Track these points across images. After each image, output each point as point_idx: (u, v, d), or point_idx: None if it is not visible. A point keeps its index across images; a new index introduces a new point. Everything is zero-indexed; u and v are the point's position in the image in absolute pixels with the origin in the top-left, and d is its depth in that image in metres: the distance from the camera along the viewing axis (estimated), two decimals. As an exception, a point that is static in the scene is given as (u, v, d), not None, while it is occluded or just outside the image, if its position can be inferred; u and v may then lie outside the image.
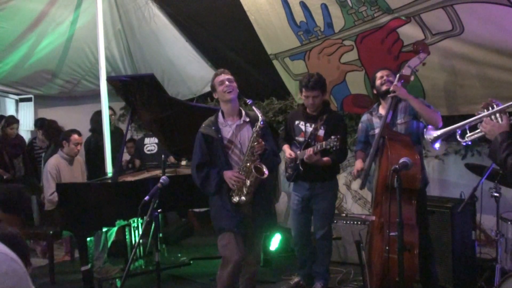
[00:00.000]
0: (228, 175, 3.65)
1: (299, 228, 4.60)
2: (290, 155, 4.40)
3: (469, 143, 2.86)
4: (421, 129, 4.10)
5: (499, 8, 3.57)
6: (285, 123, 4.84)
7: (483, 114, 2.67)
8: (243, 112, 3.86)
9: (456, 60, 4.27)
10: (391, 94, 3.92)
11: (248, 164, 3.64)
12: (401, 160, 3.11)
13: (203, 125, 3.84)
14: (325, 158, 4.30)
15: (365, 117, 4.34)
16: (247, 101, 3.80)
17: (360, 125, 4.39)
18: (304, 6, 4.72)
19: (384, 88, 4.07)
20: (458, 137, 2.84)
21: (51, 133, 6.43)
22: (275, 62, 5.63)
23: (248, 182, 3.61)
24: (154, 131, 5.74)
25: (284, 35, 5.17)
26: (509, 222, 4.07)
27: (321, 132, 4.33)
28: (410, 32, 4.29)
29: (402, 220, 3.07)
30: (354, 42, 4.78)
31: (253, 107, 3.78)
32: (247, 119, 3.83)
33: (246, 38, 5.79)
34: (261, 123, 3.67)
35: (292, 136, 4.56)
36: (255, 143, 3.64)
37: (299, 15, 4.84)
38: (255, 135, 3.67)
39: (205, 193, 3.85)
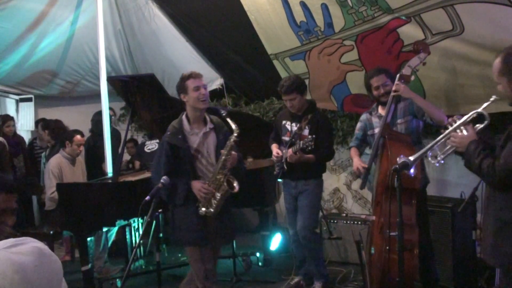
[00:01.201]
0: (197, 186, 3.52)
1: (293, 227, 4.63)
2: (277, 153, 4.47)
3: (442, 161, 2.97)
4: (421, 128, 4.11)
5: (499, 8, 3.57)
6: (274, 123, 4.86)
7: (448, 130, 2.80)
8: (208, 119, 3.74)
9: (456, 60, 4.27)
10: (394, 93, 3.90)
11: (219, 177, 3.53)
12: (401, 160, 3.10)
13: (168, 133, 3.66)
14: (308, 155, 4.32)
15: (364, 116, 4.34)
16: (222, 113, 3.69)
17: (359, 123, 4.40)
18: (304, 6, 4.71)
19: (383, 99, 4.06)
20: (430, 159, 2.96)
21: (57, 133, 6.44)
22: (275, 62, 5.63)
23: (218, 196, 3.51)
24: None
25: (284, 35, 5.17)
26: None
27: (305, 132, 4.38)
28: (410, 32, 4.28)
29: (402, 220, 3.06)
30: (354, 42, 4.77)
31: (227, 119, 3.64)
32: (212, 126, 3.71)
33: (247, 38, 5.79)
34: (235, 135, 3.56)
35: (280, 136, 4.61)
36: (229, 156, 3.55)
37: (299, 15, 4.84)
38: (229, 148, 3.55)
39: (170, 204, 3.70)
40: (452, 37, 4.07)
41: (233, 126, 3.60)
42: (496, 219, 2.59)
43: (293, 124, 4.49)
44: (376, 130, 4.12)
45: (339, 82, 5.32)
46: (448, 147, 2.86)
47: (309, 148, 4.09)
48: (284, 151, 4.43)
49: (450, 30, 4.01)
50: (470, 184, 4.42)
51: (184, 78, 3.65)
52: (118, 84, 5.29)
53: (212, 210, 3.52)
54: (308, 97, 4.99)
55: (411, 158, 2.98)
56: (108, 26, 6.53)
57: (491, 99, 2.69)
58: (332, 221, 5.53)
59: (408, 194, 3.65)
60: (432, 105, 3.96)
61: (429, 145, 2.94)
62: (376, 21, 4.40)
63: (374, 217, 3.92)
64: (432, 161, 2.94)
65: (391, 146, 3.81)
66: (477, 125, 2.75)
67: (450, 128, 2.78)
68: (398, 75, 3.92)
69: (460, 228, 4.54)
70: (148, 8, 6.38)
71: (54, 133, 6.44)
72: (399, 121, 4.05)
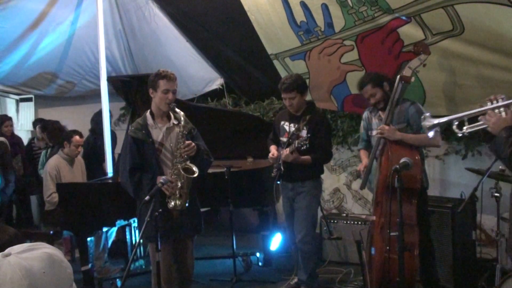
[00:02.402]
0: (160, 180, 3.51)
1: (292, 229, 4.62)
2: (273, 154, 4.45)
3: (466, 134, 2.81)
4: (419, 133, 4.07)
5: (499, 8, 3.57)
6: (270, 124, 4.85)
7: (487, 107, 2.63)
8: (171, 115, 3.77)
9: (455, 60, 4.27)
10: (379, 136, 3.88)
11: (178, 166, 3.57)
12: (402, 160, 3.11)
13: (132, 128, 3.72)
14: (305, 157, 4.30)
15: (365, 114, 4.32)
16: (171, 106, 3.69)
17: (362, 122, 4.37)
18: (304, 6, 4.71)
19: (378, 106, 4.04)
20: (455, 127, 2.79)
21: (55, 135, 6.43)
22: (275, 62, 5.63)
23: (179, 184, 3.54)
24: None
25: (284, 35, 5.17)
26: (510, 222, 4.07)
27: (303, 132, 4.32)
28: (410, 32, 4.29)
29: (402, 220, 3.07)
30: (354, 42, 4.77)
31: (176, 109, 3.69)
32: (176, 122, 3.74)
33: (247, 38, 5.79)
34: (183, 123, 3.63)
35: (278, 137, 4.59)
36: (181, 144, 3.60)
37: (299, 15, 4.84)
38: (180, 136, 3.62)
39: (137, 199, 3.70)
40: (452, 37, 4.07)
41: (180, 113, 3.68)
42: None
43: (291, 125, 4.46)
44: (374, 132, 4.10)
45: (339, 82, 5.32)
46: (479, 123, 2.68)
47: (304, 147, 4.07)
48: (281, 152, 4.41)
49: (450, 30, 4.02)
50: (470, 184, 4.43)
51: (158, 76, 3.68)
52: (118, 84, 5.29)
53: (178, 202, 3.55)
54: (308, 97, 4.98)
55: (436, 121, 2.88)
56: (108, 26, 6.53)
57: None
58: (332, 221, 5.53)
59: (408, 194, 3.65)
60: (421, 138, 3.85)
61: (460, 114, 2.79)
62: (376, 21, 4.40)
63: (374, 217, 3.92)
64: (456, 130, 2.77)
65: (392, 147, 3.81)
66: None
67: (491, 106, 2.61)
68: (398, 76, 3.89)
69: (460, 228, 4.54)
70: (148, 8, 6.38)
71: (51, 134, 6.44)
72: (396, 126, 4.00)
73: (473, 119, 2.74)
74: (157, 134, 3.70)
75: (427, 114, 2.98)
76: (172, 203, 3.56)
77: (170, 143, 3.69)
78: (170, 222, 3.61)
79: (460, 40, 4.04)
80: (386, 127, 3.83)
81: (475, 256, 4.82)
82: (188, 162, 3.60)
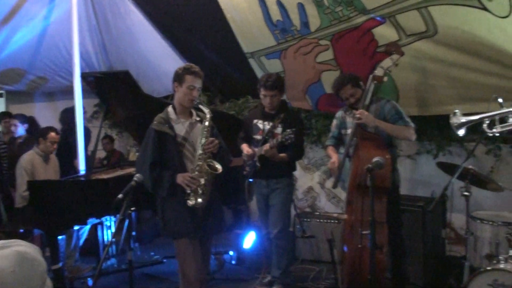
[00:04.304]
0: (181, 178, 3.46)
1: (266, 226, 4.65)
2: (248, 152, 4.46)
3: (497, 134, 2.79)
4: None
5: (472, 11, 3.64)
6: (243, 122, 4.85)
7: None
8: (194, 112, 3.73)
9: (427, 61, 4.33)
10: (357, 121, 3.92)
11: (200, 163, 3.51)
12: (375, 159, 3.14)
13: (155, 121, 3.61)
14: (282, 154, 4.34)
15: (339, 113, 4.37)
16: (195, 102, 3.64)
17: (334, 121, 4.42)
18: (280, 5, 4.73)
19: (355, 105, 4.06)
20: (485, 127, 2.77)
21: (34, 129, 6.30)
22: (251, 60, 5.63)
23: (202, 181, 3.47)
24: (129, 128, 5.69)
25: (260, 34, 5.18)
26: (478, 221, 4.15)
27: (278, 130, 4.38)
28: (385, 33, 4.33)
29: (374, 219, 3.10)
30: (330, 42, 4.81)
31: (200, 106, 3.64)
32: (198, 118, 3.70)
33: (223, 36, 5.78)
34: (209, 119, 3.58)
35: (250, 135, 4.60)
36: (205, 140, 3.54)
37: (275, 14, 4.85)
38: (205, 131, 3.57)
39: (156, 195, 3.63)
40: (425, 39, 4.13)
41: (205, 110, 3.62)
42: None
43: (266, 123, 4.49)
44: (349, 131, 4.15)
45: (315, 82, 5.36)
46: (509, 123, 2.69)
47: (289, 141, 4.10)
48: (256, 149, 4.43)
49: (424, 32, 4.07)
50: (440, 184, 4.50)
51: (186, 70, 3.60)
52: (92, 81, 5.23)
53: (200, 200, 3.46)
54: (283, 96, 5.00)
55: (465, 119, 2.80)
56: (82, 21, 6.44)
57: None
58: (305, 219, 5.56)
59: (379, 193, 3.68)
60: (397, 127, 3.98)
61: (491, 113, 2.76)
62: (351, 21, 4.43)
63: (345, 216, 3.96)
64: (486, 130, 2.76)
65: (364, 146, 3.85)
66: None
67: None
68: (371, 76, 3.95)
69: (431, 227, 4.62)
70: (123, 3, 6.32)
71: (32, 128, 6.31)
72: None
73: (503, 119, 2.72)
74: (180, 129, 3.61)
75: (457, 111, 2.92)
76: (192, 201, 3.47)
77: (193, 139, 3.62)
78: (196, 219, 3.54)
79: (433, 42, 4.10)
80: (366, 112, 3.89)
81: (444, 254, 4.91)
82: (211, 159, 3.54)
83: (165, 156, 3.55)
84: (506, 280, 3.40)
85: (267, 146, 4.26)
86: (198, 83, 3.61)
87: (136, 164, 3.69)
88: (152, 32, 6.58)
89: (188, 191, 3.47)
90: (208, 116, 3.60)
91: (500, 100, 2.79)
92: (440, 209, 4.75)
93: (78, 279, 5.08)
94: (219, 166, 3.51)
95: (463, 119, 2.88)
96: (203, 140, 3.54)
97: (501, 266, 3.52)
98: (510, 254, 3.60)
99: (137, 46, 6.89)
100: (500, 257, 3.67)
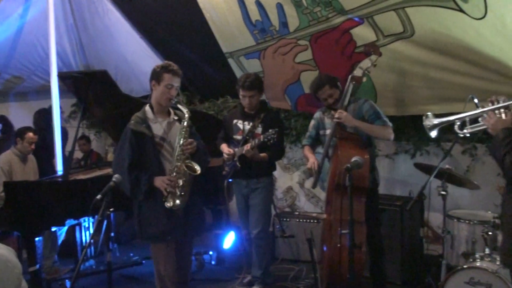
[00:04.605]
0: (159, 180, 3.41)
1: (246, 226, 4.66)
2: (228, 152, 4.45)
3: (467, 135, 2.84)
4: None
5: (448, 12, 3.68)
6: (223, 123, 4.85)
7: (488, 108, 2.65)
8: (171, 111, 3.66)
9: (405, 62, 4.38)
10: (336, 121, 3.94)
11: (178, 164, 3.44)
12: (354, 159, 3.15)
13: (132, 121, 3.51)
14: (263, 154, 4.36)
15: (318, 114, 4.38)
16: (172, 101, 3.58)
17: (312, 121, 4.43)
18: (259, 5, 4.73)
19: (333, 106, 4.08)
20: (456, 128, 2.83)
21: (8, 129, 6.20)
22: (230, 60, 5.62)
23: (181, 182, 3.44)
24: (107, 128, 5.64)
25: (239, 34, 5.17)
26: (455, 220, 4.21)
27: (259, 130, 4.40)
28: (363, 33, 4.36)
29: (353, 218, 3.11)
30: (308, 42, 4.82)
31: (179, 105, 3.58)
32: (176, 117, 3.63)
33: (202, 35, 5.75)
34: (187, 120, 3.52)
35: (229, 135, 4.60)
36: (183, 141, 3.48)
37: (254, 14, 4.85)
38: (183, 132, 3.50)
39: (133, 198, 3.54)
40: (403, 39, 4.17)
41: (184, 110, 3.56)
42: None
43: (246, 123, 4.49)
44: (328, 132, 4.17)
45: (293, 82, 5.37)
46: (479, 124, 2.72)
47: (271, 141, 4.10)
48: (236, 149, 4.42)
49: (401, 33, 4.11)
50: (418, 183, 4.56)
51: (164, 68, 3.52)
52: (70, 80, 5.16)
53: (178, 201, 3.41)
54: (262, 96, 5.01)
55: (437, 120, 2.89)
56: (59, 20, 6.36)
57: None
58: (284, 219, 5.57)
59: (358, 192, 3.71)
60: (375, 127, 4.01)
61: (462, 114, 2.81)
62: (330, 22, 4.46)
63: (325, 215, 3.98)
64: (458, 131, 2.82)
65: (343, 146, 3.87)
66: None
67: (491, 107, 2.63)
68: (349, 77, 3.97)
69: (409, 226, 4.66)
70: (101, 2, 6.26)
71: (5, 128, 6.21)
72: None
73: (474, 120, 2.77)
74: (158, 128, 3.54)
75: (429, 113, 2.97)
76: (170, 203, 3.41)
77: (171, 138, 3.55)
78: (174, 221, 3.48)
79: (410, 42, 4.14)
80: (345, 113, 3.91)
81: (422, 253, 4.96)
82: (189, 160, 3.47)
83: (142, 157, 3.48)
84: (482, 278, 3.46)
85: (248, 147, 4.26)
86: (176, 82, 3.55)
87: (113, 165, 3.63)
88: (130, 32, 6.52)
89: (165, 194, 3.42)
90: (186, 116, 3.54)
91: (476, 100, 2.84)
92: (418, 208, 4.80)
93: (56, 281, 5.01)
94: (197, 167, 3.46)
95: (435, 121, 2.93)
96: (182, 141, 3.48)
97: (477, 264, 3.58)
98: (486, 252, 3.66)
99: (115, 46, 6.83)
100: (477, 255, 3.73)
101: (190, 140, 3.51)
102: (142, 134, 3.46)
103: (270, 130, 4.12)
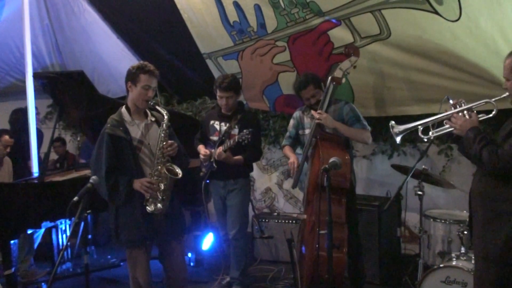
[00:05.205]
0: (138, 184, 3.33)
1: (224, 227, 4.66)
2: (205, 153, 4.44)
3: (431, 138, 3.01)
4: None
5: (423, 14, 3.73)
6: (201, 123, 4.84)
7: (453, 111, 2.81)
8: (148, 112, 3.59)
9: (383, 63, 4.42)
10: (317, 121, 3.94)
11: (159, 167, 3.39)
12: (331, 160, 3.17)
13: (108, 124, 3.42)
14: (236, 157, 4.36)
15: (297, 114, 4.39)
16: (150, 103, 3.51)
17: (291, 121, 4.44)
18: (237, 6, 4.73)
19: (315, 107, 4.08)
20: (420, 133, 2.97)
21: None
22: (208, 61, 5.61)
23: (162, 186, 3.37)
24: (84, 129, 5.58)
25: (217, 35, 5.17)
26: (431, 219, 4.26)
27: (235, 131, 4.39)
28: (340, 35, 4.39)
29: (331, 218, 3.13)
30: (286, 43, 4.84)
31: (157, 107, 3.53)
32: (153, 119, 3.58)
33: (179, 36, 5.73)
34: (166, 121, 3.47)
35: (207, 136, 4.60)
36: (164, 144, 3.42)
37: (232, 15, 4.85)
38: (162, 135, 3.44)
39: (111, 202, 3.46)
40: (379, 41, 4.21)
41: (163, 111, 3.50)
42: (488, 211, 2.67)
43: (222, 124, 4.49)
44: (307, 131, 4.19)
45: (272, 83, 5.38)
46: (444, 127, 2.88)
47: (246, 141, 4.10)
48: (213, 150, 4.42)
49: (378, 34, 4.15)
50: (395, 183, 4.60)
51: (140, 69, 3.44)
52: (45, 81, 5.10)
53: (160, 205, 3.37)
54: (241, 97, 5.01)
55: (402, 127, 3.06)
56: (34, 20, 6.27)
57: (504, 94, 2.71)
58: (263, 220, 5.58)
59: (338, 193, 3.73)
60: (354, 130, 4.05)
61: (425, 120, 2.95)
62: (307, 23, 4.48)
63: (305, 216, 3.99)
64: (422, 136, 2.96)
65: (323, 146, 3.89)
66: (481, 115, 2.79)
67: (456, 110, 2.80)
68: (329, 78, 3.99)
69: (386, 226, 4.71)
70: (77, 2, 6.19)
71: None
72: None
73: (438, 124, 2.92)
74: (136, 131, 3.46)
75: (392, 122, 3.15)
76: (152, 207, 3.36)
77: (149, 141, 3.48)
78: (153, 225, 3.42)
79: (387, 44, 4.19)
80: (325, 114, 3.93)
81: (399, 252, 5.01)
82: (170, 163, 3.42)
83: (121, 161, 3.40)
84: (458, 277, 3.52)
85: (219, 150, 4.25)
86: (153, 83, 3.47)
87: (91, 169, 3.53)
88: (107, 32, 6.46)
89: (147, 197, 3.37)
90: (166, 117, 3.48)
91: (451, 101, 2.90)
92: (395, 208, 4.86)
93: (32, 284, 4.96)
94: (179, 171, 3.41)
95: (401, 128, 3.08)
96: (162, 144, 3.43)
97: (453, 263, 3.63)
98: (462, 251, 3.72)
99: (92, 46, 6.75)
100: (452, 254, 3.78)
101: (170, 142, 3.46)
102: (119, 138, 3.38)
103: (244, 131, 4.12)
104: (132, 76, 3.46)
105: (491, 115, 2.78)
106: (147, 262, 3.53)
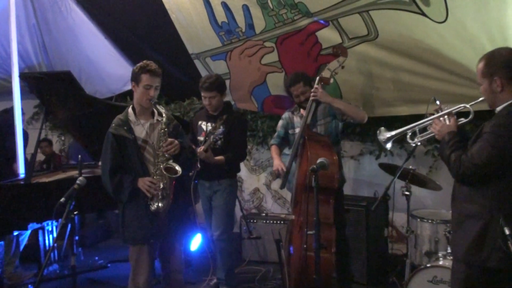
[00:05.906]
0: (141, 182, 3.39)
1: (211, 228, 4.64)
2: None
3: (418, 143, 3.14)
4: (340, 129, 4.23)
5: (411, 15, 3.75)
6: (189, 124, 4.83)
7: (434, 116, 2.92)
8: (155, 112, 3.61)
9: (372, 64, 4.44)
10: (312, 98, 3.97)
11: (161, 166, 3.42)
12: (319, 160, 3.18)
13: (113, 124, 3.50)
14: (218, 157, 4.34)
15: (286, 114, 4.40)
16: (151, 101, 3.53)
17: (280, 121, 4.45)
18: (225, 6, 4.73)
19: (304, 104, 4.10)
20: (408, 138, 3.08)
21: None
22: (196, 61, 5.60)
23: (161, 185, 3.41)
24: (71, 130, 5.55)
25: (205, 35, 5.16)
26: (418, 219, 4.29)
27: (219, 131, 4.36)
28: (328, 36, 4.41)
29: (319, 218, 3.13)
30: (274, 44, 4.84)
31: (157, 106, 3.55)
32: (160, 119, 3.58)
33: (167, 36, 5.72)
34: (165, 119, 3.49)
35: (196, 137, 4.59)
36: (163, 143, 3.44)
37: (220, 16, 4.85)
38: (162, 133, 3.47)
39: (118, 201, 3.57)
40: (367, 42, 4.23)
41: (162, 110, 3.53)
42: (459, 213, 2.73)
43: (208, 124, 4.48)
44: (297, 130, 4.20)
45: (260, 83, 5.38)
46: (428, 132, 2.99)
47: (219, 141, 4.10)
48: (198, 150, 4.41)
49: (366, 35, 4.17)
50: (383, 184, 4.62)
51: (142, 69, 3.49)
52: (32, 81, 5.06)
53: (161, 204, 3.40)
54: (229, 97, 5.01)
55: (391, 133, 3.16)
56: (21, 20, 6.23)
57: (480, 99, 2.77)
58: (251, 220, 5.58)
59: (326, 193, 3.74)
60: (351, 106, 4.07)
61: (412, 125, 3.05)
62: (295, 24, 4.49)
63: (293, 216, 3.99)
64: (409, 140, 3.07)
65: (311, 146, 3.89)
66: (461, 119, 2.87)
67: (436, 115, 2.90)
68: (317, 78, 3.99)
69: (373, 226, 4.73)
70: (64, 2, 6.15)
71: None
72: (319, 122, 4.16)
73: (424, 129, 3.03)
74: (140, 130, 3.50)
75: (382, 128, 3.25)
76: (155, 205, 3.40)
77: (154, 141, 3.50)
78: (157, 225, 3.46)
79: (375, 45, 4.21)
80: (320, 89, 3.93)
81: (387, 252, 5.03)
82: (170, 161, 3.43)
83: (125, 160, 3.46)
84: (445, 276, 3.53)
85: (200, 149, 4.25)
86: (155, 82, 3.51)
87: (101, 169, 3.59)
88: (95, 32, 6.43)
89: (149, 196, 3.41)
90: (164, 116, 3.50)
91: (438, 102, 2.95)
92: (382, 208, 4.87)
93: (18, 287, 4.90)
94: (178, 168, 3.42)
95: (388, 135, 3.19)
96: (160, 142, 3.46)
97: (440, 263, 3.65)
98: (448, 251, 3.74)
99: (80, 46, 6.71)
100: (439, 254, 3.81)
101: (170, 140, 3.46)
102: (123, 137, 3.44)
103: (218, 130, 4.13)
104: (134, 76, 3.52)
105: (468, 119, 2.87)
106: (149, 261, 3.56)
